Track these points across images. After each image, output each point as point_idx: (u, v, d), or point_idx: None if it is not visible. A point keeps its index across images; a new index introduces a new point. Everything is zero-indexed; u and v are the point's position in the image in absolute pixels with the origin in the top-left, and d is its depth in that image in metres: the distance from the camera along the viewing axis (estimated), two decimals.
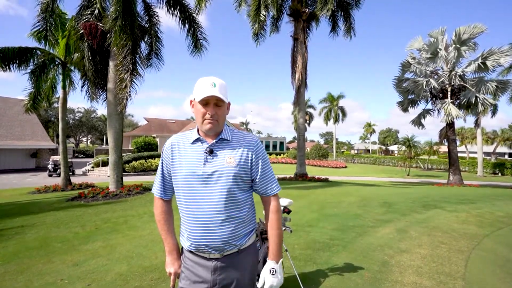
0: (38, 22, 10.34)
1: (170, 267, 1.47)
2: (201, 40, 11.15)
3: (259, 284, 1.39)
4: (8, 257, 3.96)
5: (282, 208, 2.63)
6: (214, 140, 1.37)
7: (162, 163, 1.46)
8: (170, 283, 1.47)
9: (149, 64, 11.17)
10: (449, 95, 15.48)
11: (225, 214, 1.31)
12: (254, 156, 1.39)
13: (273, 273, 1.36)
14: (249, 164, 1.38)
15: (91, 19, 9.55)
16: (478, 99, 14.56)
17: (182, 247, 1.45)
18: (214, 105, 1.33)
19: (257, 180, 1.41)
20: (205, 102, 1.32)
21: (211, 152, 1.34)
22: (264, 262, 2.52)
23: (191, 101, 1.40)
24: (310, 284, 2.97)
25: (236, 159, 1.34)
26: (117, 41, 8.69)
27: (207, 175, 1.31)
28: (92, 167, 22.80)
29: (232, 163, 1.33)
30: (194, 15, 11.01)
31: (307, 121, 48.16)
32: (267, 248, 2.59)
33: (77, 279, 3.23)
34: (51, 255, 4.03)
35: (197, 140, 1.38)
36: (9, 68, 10.21)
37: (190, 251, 1.39)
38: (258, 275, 2.52)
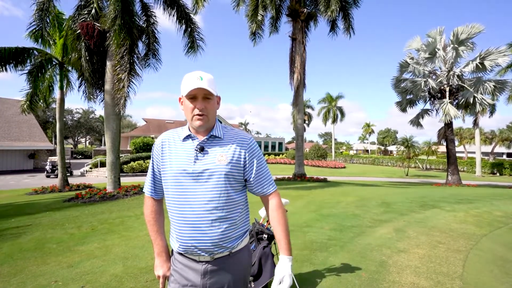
0: (34, 21, 10.29)
1: (159, 269, 1.42)
2: (198, 41, 11.13)
3: (274, 284, 1.24)
4: (1, 259, 3.92)
5: None
6: (205, 137, 1.32)
7: (152, 160, 1.41)
8: (159, 286, 1.42)
9: (147, 64, 11.16)
10: (447, 95, 15.50)
11: (216, 214, 1.25)
12: (248, 154, 1.34)
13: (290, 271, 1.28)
14: (242, 162, 1.33)
15: (88, 19, 9.52)
16: (476, 99, 14.59)
17: (172, 249, 1.40)
18: (203, 99, 1.28)
19: (251, 180, 1.35)
20: (193, 96, 1.27)
21: (201, 149, 1.29)
22: (260, 263, 2.49)
23: (179, 99, 1.36)
24: (307, 285, 2.94)
25: (228, 157, 1.29)
26: (117, 40, 8.66)
27: (197, 173, 1.26)
28: (90, 168, 22.70)
29: (224, 161, 1.28)
30: (191, 15, 10.99)
31: (306, 122, 48.05)
32: (263, 249, 2.58)
33: (72, 280, 3.19)
34: (46, 256, 3.99)
35: (188, 137, 1.34)
36: (6, 69, 10.16)
37: (180, 253, 1.34)
38: (254, 277, 2.49)
